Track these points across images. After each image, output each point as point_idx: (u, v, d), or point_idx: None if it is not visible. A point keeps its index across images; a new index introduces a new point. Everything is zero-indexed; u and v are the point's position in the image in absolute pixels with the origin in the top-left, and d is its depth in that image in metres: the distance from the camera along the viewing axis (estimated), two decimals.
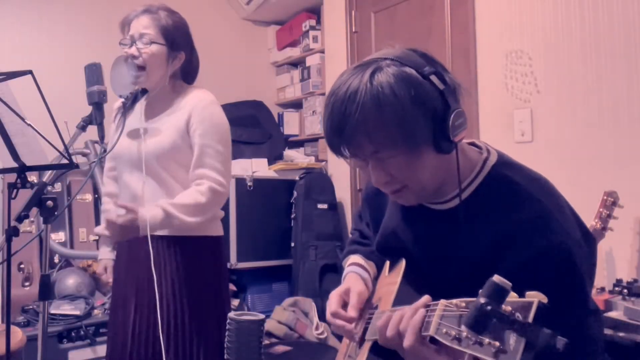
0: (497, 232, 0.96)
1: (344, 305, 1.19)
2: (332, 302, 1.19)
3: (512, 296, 0.71)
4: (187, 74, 1.92)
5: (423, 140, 0.94)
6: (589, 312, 0.94)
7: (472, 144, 1.10)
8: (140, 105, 1.90)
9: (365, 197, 1.33)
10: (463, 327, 0.72)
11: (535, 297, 0.69)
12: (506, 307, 0.69)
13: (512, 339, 0.68)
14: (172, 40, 1.82)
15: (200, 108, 1.81)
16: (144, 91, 1.94)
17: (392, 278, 1.15)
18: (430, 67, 0.94)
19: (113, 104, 1.82)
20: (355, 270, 1.28)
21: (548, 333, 0.66)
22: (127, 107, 1.93)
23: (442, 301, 0.81)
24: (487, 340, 0.70)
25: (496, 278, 0.71)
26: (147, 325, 1.78)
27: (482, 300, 0.70)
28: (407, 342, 0.86)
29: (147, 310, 1.79)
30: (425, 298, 0.89)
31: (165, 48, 1.81)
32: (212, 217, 1.90)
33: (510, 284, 0.71)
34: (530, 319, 0.68)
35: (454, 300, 0.78)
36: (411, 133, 0.92)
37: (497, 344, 0.69)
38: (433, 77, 0.93)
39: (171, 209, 1.70)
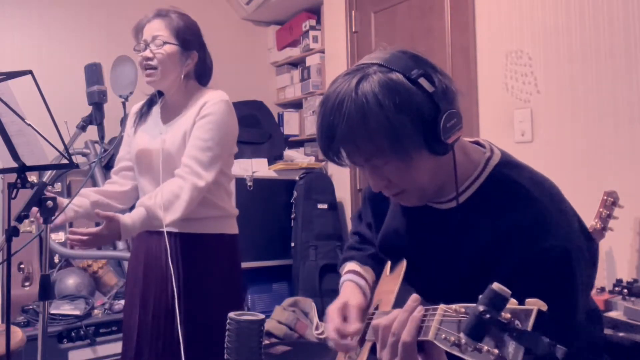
0: (497, 233, 0.96)
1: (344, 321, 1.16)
2: (334, 319, 1.15)
3: (512, 303, 0.70)
4: (201, 75, 1.93)
5: (413, 146, 0.93)
6: (578, 319, 0.92)
7: (476, 142, 1.09)
8: (157, 109, 1.92)
9: (367, 196, 1.32)
10: (462, 335, 0.71)
11: (535, 305, 0.68)
12: (505, 315, 0.68)
13: (511, 347, 0.67)
14: (183, 40, 1.84)
15: (208, 104, 1.82)
16: (159, 94, 1.95)
17: (393, 279, 1.14)
18: (418, 69, 0.93)
19: (114, 104, 1.82)
20: (351, 278, 1.26)
21: (547, 342, 0.65)
22: (144, 111, 1.94)
23: (442, 306, 0.80)
24: (485, 347, 0.69)
25: (495, 286, 0.70)
26: (165, 323, 1.79)
27: (481, 308, 0.69)
28: (406, 335, 0.82)
29: (164, 308, 1.79)
30: (415, 297, 0.86)
31: (178, 48, 1.83)
32: (228, 215, 1.93)
33: (509, 292, 0.70)
34: (529, 327, 0.67)
35: (453, 306, 0.77)
36: (398, 141, 0.92)
37: (496, 351, 0.68)
38: (422, 80, 0.92)
39: (152, 207, 1.67)
